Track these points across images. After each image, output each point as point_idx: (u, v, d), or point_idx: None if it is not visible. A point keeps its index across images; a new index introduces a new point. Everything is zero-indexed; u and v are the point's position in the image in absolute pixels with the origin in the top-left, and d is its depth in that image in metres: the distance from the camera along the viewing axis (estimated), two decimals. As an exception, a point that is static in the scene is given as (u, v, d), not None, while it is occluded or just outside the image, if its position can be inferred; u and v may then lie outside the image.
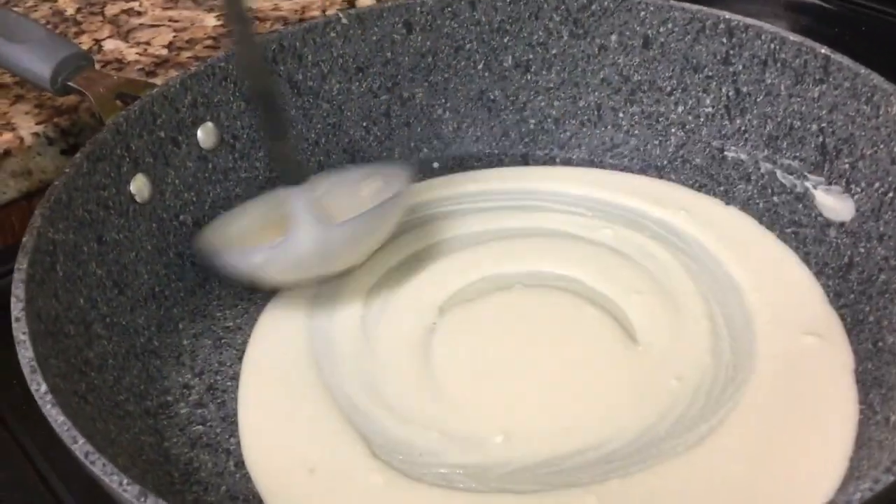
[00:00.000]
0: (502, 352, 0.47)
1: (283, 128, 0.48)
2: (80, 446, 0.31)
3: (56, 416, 0.32)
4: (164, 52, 0.68)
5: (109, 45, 0.69)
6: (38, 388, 0.34)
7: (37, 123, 0.60)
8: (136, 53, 0.68)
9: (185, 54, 0.67)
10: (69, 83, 0.52)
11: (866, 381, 0.44)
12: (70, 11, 0.74)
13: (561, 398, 0.44)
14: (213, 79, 0.54)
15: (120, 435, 0.41)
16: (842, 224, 0.49)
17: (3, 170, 0.59)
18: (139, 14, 0.73)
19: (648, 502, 0.39)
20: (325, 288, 0.51)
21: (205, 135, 0.54)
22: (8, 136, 0.59)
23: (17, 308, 0.37)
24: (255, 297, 0.52)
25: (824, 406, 0.43)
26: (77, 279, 0.44)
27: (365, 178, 0.53)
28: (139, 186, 0.50)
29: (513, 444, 0.42)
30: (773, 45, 0.52)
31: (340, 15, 0.57)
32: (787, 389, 0.44)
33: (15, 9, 0.73)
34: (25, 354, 0.35)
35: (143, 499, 0.30)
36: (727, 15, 0.53)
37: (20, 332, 0.36)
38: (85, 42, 0.69)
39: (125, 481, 0.30)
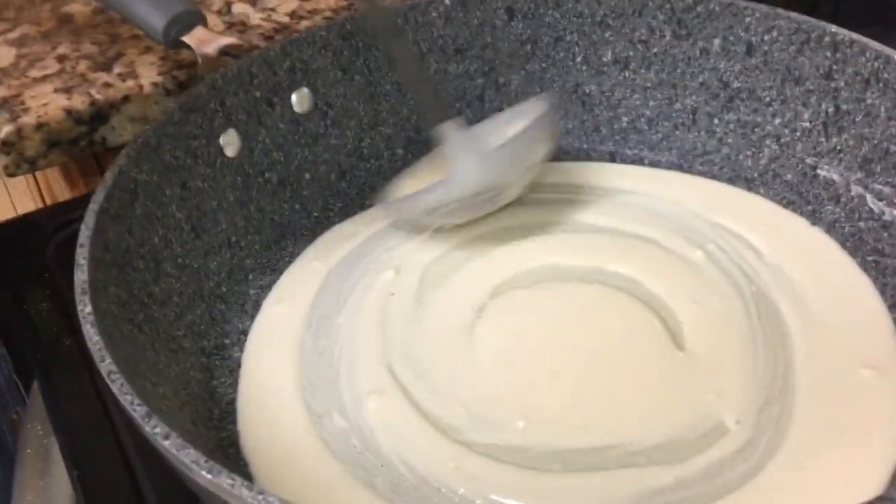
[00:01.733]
0: (543, 341, 0.47)
1: (421, 71, 0.51)
2: (106, 364, 0.34)
3: (92, 336, 0.35)
4: (286, 19, 0.71)
5: (238, 7, 0.73)
6: (83, 308, 0.37)
7: (158, 74, 0.64)
8: (261, 18, 0.71)
9: (305, 23, 0.70)
10: (180, 38, 0.55)
11: (916, 424, 0.41)
12: (210, -27, 0.78)
13: (591, 393, 0.44)
14: (313, 46, 0.56)
15: (169, 367, 0.44)
16: (923, 258, 0.47)
17: (123, 113, 0.63)
18: (272, -19, 0.76)
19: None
20: (386, 255, 0.53)
21: (299, 99, 0.56)
22: (130, 83, 0.64)
23: (83, 235, 0.40)
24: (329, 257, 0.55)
25: (864, 443, 0.41)
26: (155, 219, 0.48)
27: (509, 120, 0.55)
28: (229, 141, 0.53)
29: (533, 430, 0.42)
30: (877, 64, 0.49)
31: (445, -4, 0.58)
32: (829, 421, 0.42)
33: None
34: (80, 277, 0.38)
35: (147, 419, 0.32)
36: (833, 28, 0.51)
37: (81, 256, 0.39)
38: (216, 3, 0.73)
39: (136, 401, 0.33)
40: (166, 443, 0.31)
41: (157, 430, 0.32)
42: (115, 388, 0.33)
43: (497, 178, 0.51)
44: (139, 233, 0.46)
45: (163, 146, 0.49)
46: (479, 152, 0.50)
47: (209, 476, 0.30)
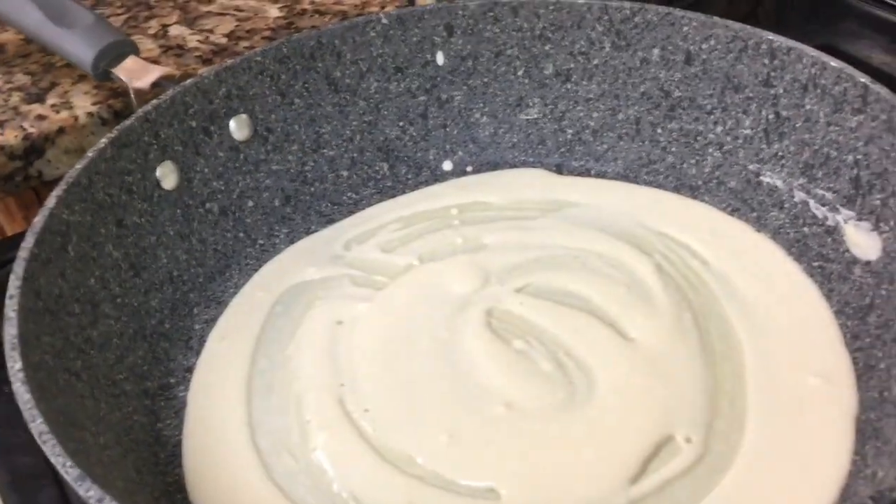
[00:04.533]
0: (495, 362, 0.46)
1: None
2: (36, 425, 0.33)
3: (22, 394, 0.34)
4: (224, 40, 0.70)
5: (175, 30, 0.71)
6: (13, 365, 0.35)
7: (93, 104, 0.63)
8: (198, 40, 0.70)
9: (243, 44, 0.69)
10: (110, 70, 0.54)
11: (866, 431, 0.41)
12: (146, -5, 0.77)
13: (542, 414, 0.44)
14: (248, 72, 0.55)
15: (111, 413, 0.43)
16: (867, 263, 0.47)
17: (58, 146, 0.62)
18: (208, 2, 0.75)
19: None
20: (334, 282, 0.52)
21: (238, 126, 0.55)
22: (65, 114, 0.62)
23: (13, 286, 0.39)
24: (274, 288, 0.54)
25: (816, 453, 0.41)
26: (90, 260, 0.46)
27: None
28: (166, 173, 0.51)
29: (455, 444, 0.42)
30: (813, 70, 0.49)
31: (381, 15, 0.58)
32: (780, 433, 0.42)
33: (95, -9, 0.77)
34: (10, 331, 0.37)
35: (80, 482, 0.31)
36: (770, 35, 0.51)
37: (10, 309, 0.38)
38: (153, 27, 0.72)
39: (69, 464, 0.32)
40: (100, 507, 0.30)
41: (91, 493, 0.31)
42: (46, 449, 0.32)
43: None
44: (73, 276, 0.45)
45: (95, 184, 0.47)
46: None
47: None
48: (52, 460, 0.32)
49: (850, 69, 0.48)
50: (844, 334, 0.46)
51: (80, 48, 0.54)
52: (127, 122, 0.50)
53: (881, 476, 0.38)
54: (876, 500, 0.28)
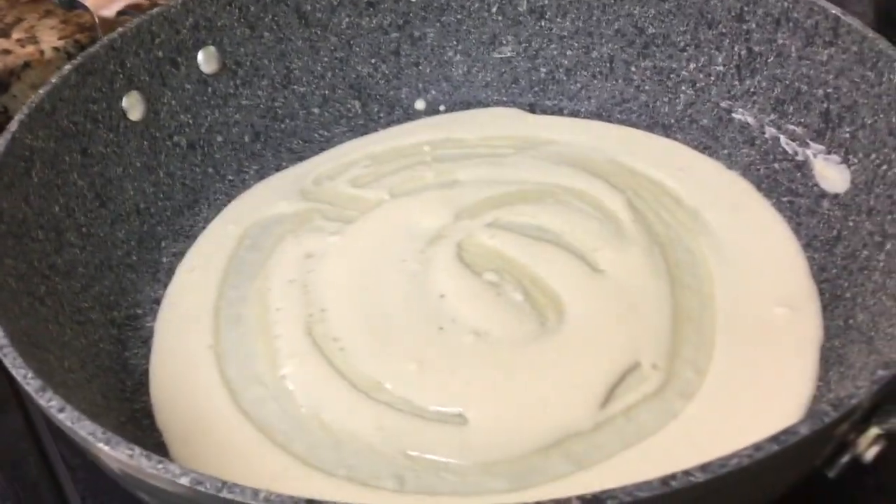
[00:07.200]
0: (469, 291, 0.46)
1: None
2: (-5, 340, 0.33)
3: (-18, 310, 0.34)
4: (194, -23, 0.68)
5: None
6: (-27, 281, 0.35)
7: (59, 38, 0.62)
8: (167, -23, 0.68)
9: (214, -19, 0.68)
10: (76, -2, 0.53)
11: (830, 359, 0.42)
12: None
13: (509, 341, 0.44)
14: (217, 3, 0.54)
15: (75, 339, 0.43)
16: (836, 196, 0.47)
17: (24, 81, 0.61)
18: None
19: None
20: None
21: (206, 58, 0.54)
22: (30, 48, 0.61)
23: (-27, 207, 0.38)
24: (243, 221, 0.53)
25: (781, 379, 0.41)
26: (55, 187, 0.46)
27: None
28: (132, 103, 0.51)
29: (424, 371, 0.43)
30: (786, 4, 0.49)
31: (353, -53, 0.57)
32: (746, 361, 0.42)
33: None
34: (-30, 250, 0.36)
35: (42, 393, 0.31)
36: (743, -31, 0.51)
37: (-29, 229, 0.37)
38: (120, -37, 0.70)
39: (29, 375, 0.31)
40: (61, 416, 0.30)
41: (53, 403, 0.30)
42: (7, 362, 0.32)
43: None
44: (37, 202, 0.44)
45: (59, 111, 0.47)
46: None
47: (106, 448, 0.29)
48: (13, 373, 0.32)
49: (822, 2, 0.47)
50: (812, 266, 0.47)
51: (44, -26, 0.53)
52: (92, 49, 0.49)
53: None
54: (835, 405, 0.29)
